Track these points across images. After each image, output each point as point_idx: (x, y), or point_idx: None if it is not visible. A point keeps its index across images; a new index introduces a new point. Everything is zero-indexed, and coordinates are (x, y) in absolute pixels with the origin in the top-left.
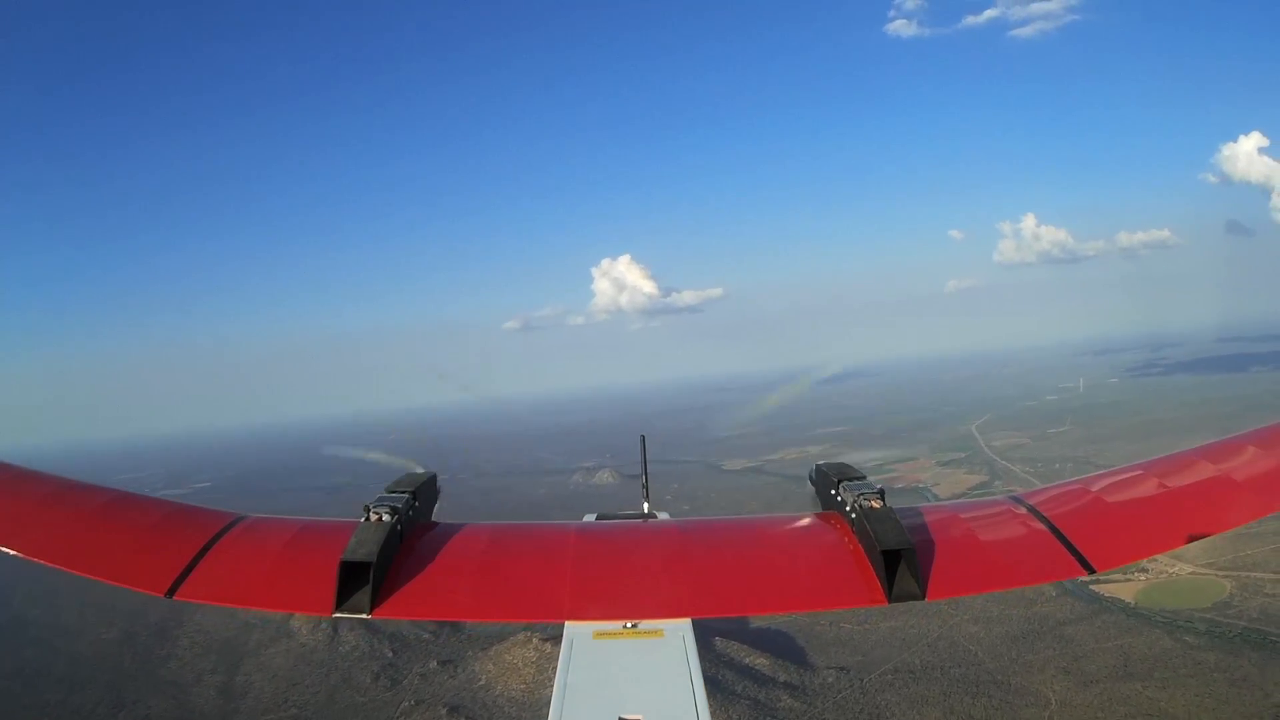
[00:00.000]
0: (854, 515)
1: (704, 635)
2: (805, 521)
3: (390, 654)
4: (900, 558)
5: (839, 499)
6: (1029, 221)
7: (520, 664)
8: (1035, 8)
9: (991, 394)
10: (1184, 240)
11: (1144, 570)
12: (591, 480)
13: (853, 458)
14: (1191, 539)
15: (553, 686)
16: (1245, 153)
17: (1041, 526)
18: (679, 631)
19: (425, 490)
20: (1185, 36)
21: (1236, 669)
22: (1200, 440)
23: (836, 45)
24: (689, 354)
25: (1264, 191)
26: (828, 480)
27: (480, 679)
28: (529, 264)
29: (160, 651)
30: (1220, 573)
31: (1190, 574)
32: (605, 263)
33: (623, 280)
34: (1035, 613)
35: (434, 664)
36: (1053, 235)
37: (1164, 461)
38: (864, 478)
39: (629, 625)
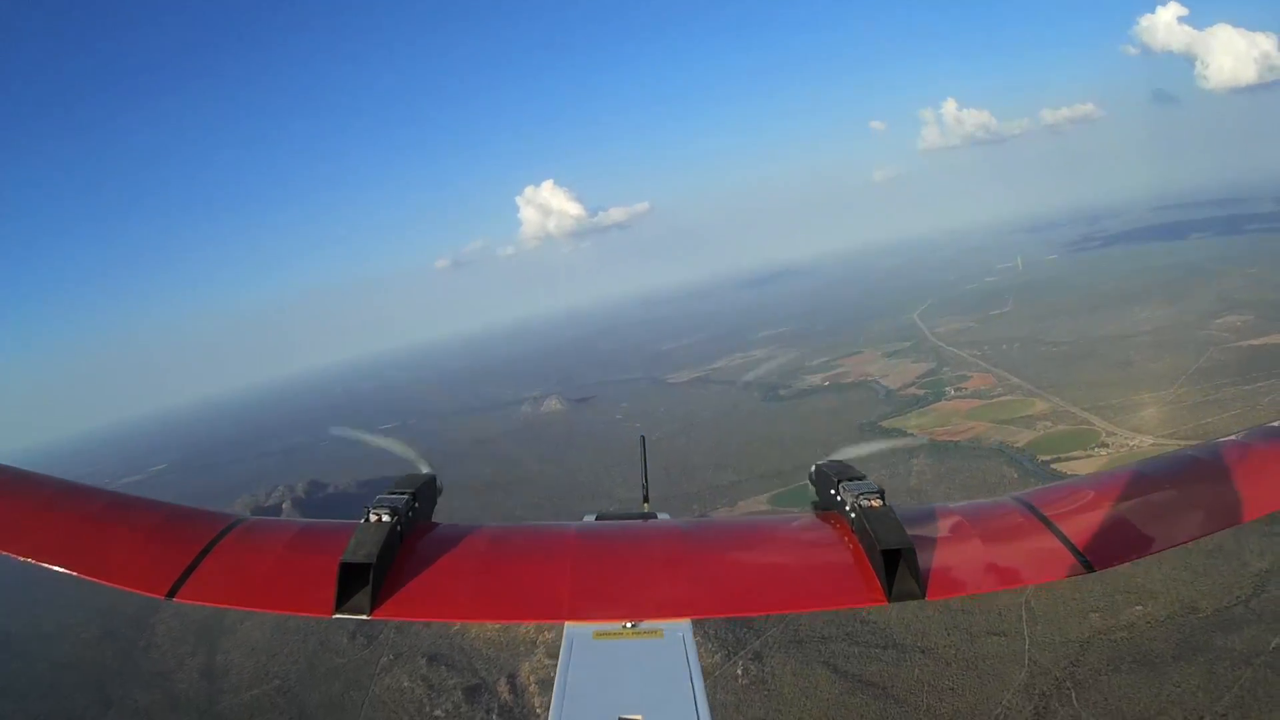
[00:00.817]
0: (854, 515)
1: (704, 635)
2: (805, 521)
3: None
4: (900, 557)
5: (839, 499)
6: (950, 106)
7: None
8: None
9: (929, 280)
10: (1109, 113)
11: (1104, 445)
12: (540, 409)
13: (795, 357)
14: (1192, 538)
15: (553, 686)
16: (1164, 23)
17: (1042, 526)
18: (679, 631)
19: (425, 491)
20: None
21: (1210, 541)
22: (1146, 307)
23: None
24: (623, 272)
25: (1187, 60)
26: (828, 480)
27: (454, 625)
28: (451, 201)
29: (140, 643)
30: (1182, 441)
31: (1151, 445)
32: (529, 190)
33: (548, 205)
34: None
35: None
36: (975, 118)
37: (1164, 461)
38: (864, 477)
39: (629, 625)
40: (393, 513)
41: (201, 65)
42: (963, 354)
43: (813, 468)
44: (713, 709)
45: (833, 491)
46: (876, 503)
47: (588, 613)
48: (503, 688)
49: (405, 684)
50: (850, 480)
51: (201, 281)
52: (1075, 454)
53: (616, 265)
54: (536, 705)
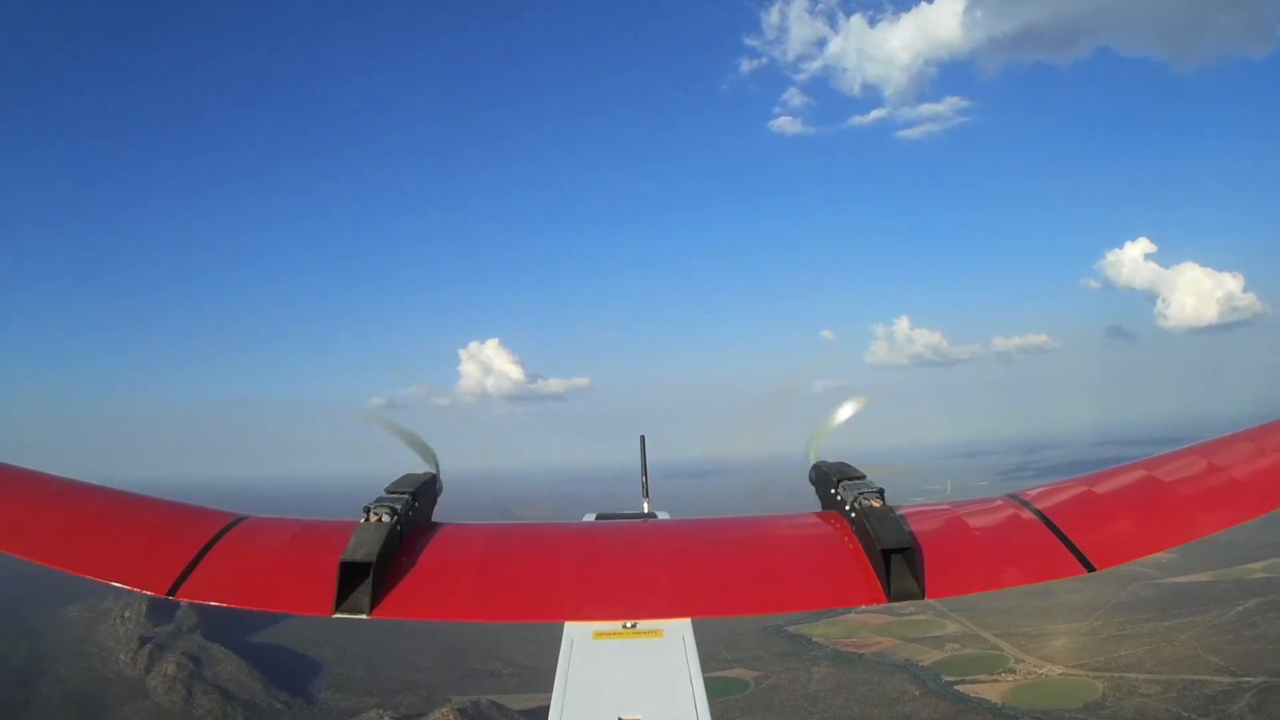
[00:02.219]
0: (854, 514)
1: (703, 635)
2: (805, 521)
3: None
4: (900, 557)
5: (839, 498)
6: (903, 324)
7: None
8: (924, 109)
9: None
10: (1061, 344)
11: (1011, 670)
12: None
13: None
14: (1191, 537)
15: (553, 686)
16: (1130, 259)
17: (1042, 525)
18: (679, 631)
19: (425, 490)
20: (1073, 140)
21: None
22: None
23: (718, 140)
24: (553, 443)
25: (1148, 297)
26: (827, 479)
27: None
28: (397, 342)
29: (19, 699)
30: (1092, 673)
31: (1060, 674)
32: (474, 345)
33: (490, 364)
34: (897, 712)
35: None
36: (926, 338)
37: (1164, 460)
38: (863, 477)
39: (629, 625)
40: (393, 512)
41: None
42: None
43: (813, 468)
44: (713, 709)
45: (832, 491)
46: (876, 502)
47: (588, 613)
48: None
49: None
50: (850, 480)
51: (115, 365)
52: (980, 677)
53: (548, 435)
54: None
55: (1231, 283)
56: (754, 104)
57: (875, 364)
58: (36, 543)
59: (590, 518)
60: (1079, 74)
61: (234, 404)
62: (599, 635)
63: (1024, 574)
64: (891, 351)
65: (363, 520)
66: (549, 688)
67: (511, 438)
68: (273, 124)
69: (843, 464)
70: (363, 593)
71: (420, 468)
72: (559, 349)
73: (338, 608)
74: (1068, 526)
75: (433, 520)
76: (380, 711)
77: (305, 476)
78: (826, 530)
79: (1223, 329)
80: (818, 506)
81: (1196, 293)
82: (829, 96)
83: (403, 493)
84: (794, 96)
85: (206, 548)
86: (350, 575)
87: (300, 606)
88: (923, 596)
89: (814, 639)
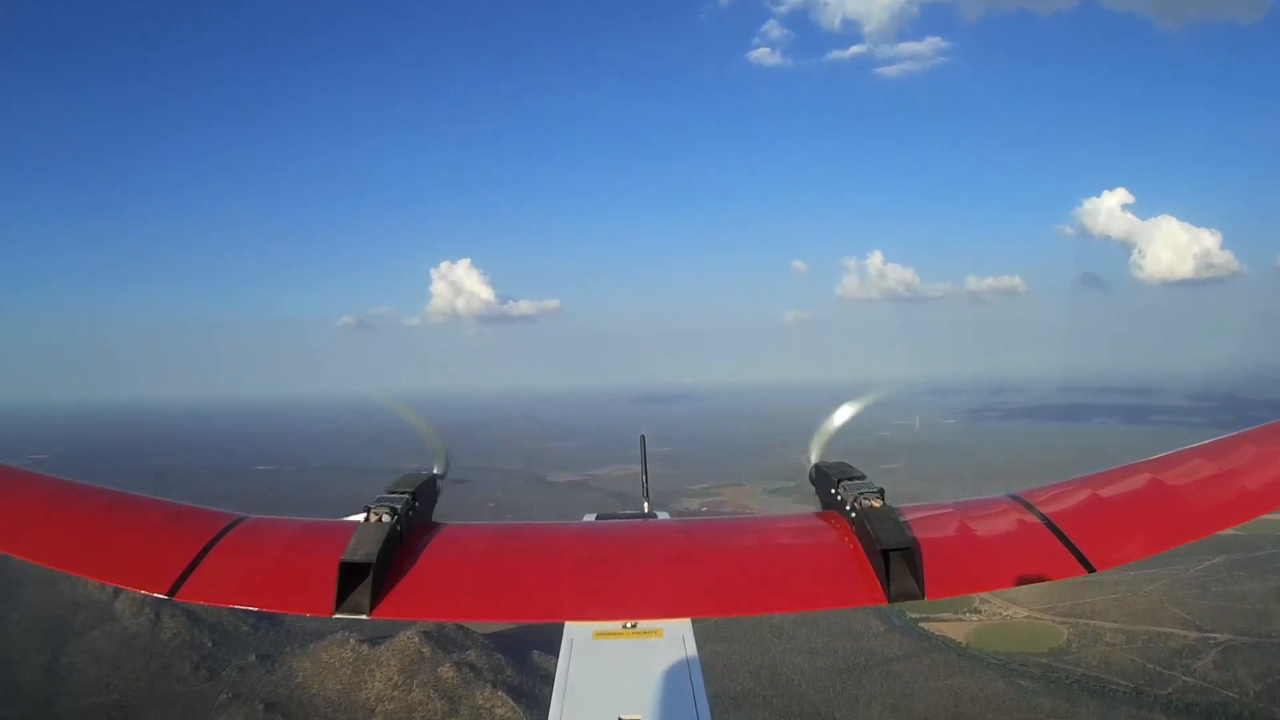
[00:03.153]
0: (854, 514)
1: (703, 635)
2: (805, 521)
3: (210, 644)
4: (900, 557)
5: (839, 498)
6: (875, 259)
7: (337, 664)
8: (904, 48)
9: (822, 426)
10: (1034, 288)
11: (976, 611)
12: None
13: (675, 476)
14: (1192, 538)
15: (552, 686)
16: (1108, 208)
17: (1042, 526)
18: (679, 631)
19: (425, 490)
20: (1054, 89)
21: (1075, 715)
22: (1038, 484)
23: (696, 67)
24: (522, 364)
25: (1124, 247)
26: (828, 479)
27: (298, 676)
28: (367, 260)
29: None
30: (1058, 618)
31: (1025, 618)
32: (445, 265)
33: (460, 285)
34: (862, 647)
35: (253, 658)
36: (898, 274)
37: (1164, 460)
38: (864, 477)
39: (629, 625)
40: (393, 512)
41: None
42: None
43: (813, 468)
44: (713, 709)
45: (833, 491)
46: (876, 502)
47: (588, 612)
48: None
49: None
50: (850, 480)
51: (90, 283)
52: (945, 615)
53: (517, 357)
54: None
55: (1209, 239)
56: (733, 34)
57: (846, 297)
58: (38, 544)
59: (590, 518)
60: (1062, 25)
61: (200, 325)
62: (599, 635)
63: (1024, 574)
64: (863, 285)
65: (363, 520)
66: (546, 685)
67: (482, 359)
68: (243, 34)
69: (843, 464)
70: (363, 593)
71: (417, 469)
72: (530, 270)
73: (338, 608)
74: (1068, 527)
75: (433, 520)
76: (344, 634)
77: (284, 395)
78: (826, 530)
79: (1198, 285)
80: (817, 505)
81: (1173, 246)
82: (809, 30)
83: (403, 492)
84: (773, 29)
85: (207, 548)
86: (350, 575)
87: (300, 607)
88: (923, 597)
89: None
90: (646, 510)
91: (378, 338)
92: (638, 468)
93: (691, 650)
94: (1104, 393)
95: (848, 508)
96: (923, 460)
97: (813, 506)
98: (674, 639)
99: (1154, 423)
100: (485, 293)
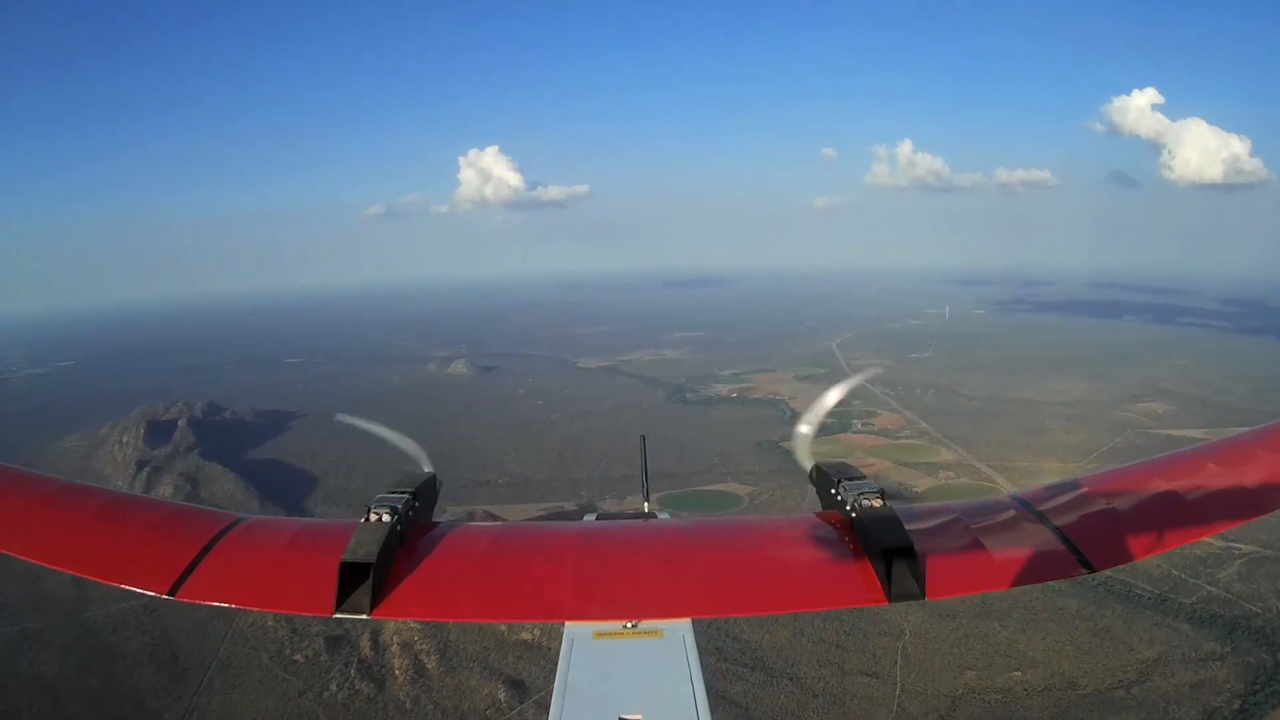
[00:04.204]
0: (854, 514)
1: (703, 635)
2: (805, 521)
3: None
4: (900, 557)
5: (839, 498)
6: (905, 147)
7: None
8: None
9: (854, 313)
10: (1063, 183)
11: None
12: (445, 370)
13: (706, 361)
14: (1192, 538)
15: (553, 686)
16: (1137, 106)
17: (1042, 526)
18: (679, 631)
19: (425, 490)
20: None
21: (1100, 619)
22: (1068, 379)
23: None
24: (551, 250)
25: (1154, 147)
26: (828, 480)
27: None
28: (394, 149)
29: None
30: None
31: None
32: (473, 153)
33: (489, 171)
34: None
35: None
36: (929, 163)
37: (1165, 461)
38: (864, 477)
39: (629, 625)
40: (393, 512)
41: None
42: (875, 391)
43: (813, 468)
44: (713, 709)
45: (833, 491)
46: (877, 502)
47: (588, 613)
48: (365, 643)
49: (270, 622)
50: (850, 480)
51: (117, 179)
52: None
53: (546, 243)
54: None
55: (1238, 145)
56: None
57: (875, 185)
58: (39, 544)
59: (590, 518)
60: None
61: (228, 219)
62: (599, 635)
63: (1024, 574)
64: (893, 173)
65: (363, 520)
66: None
67: (511, 245)
68: None
69: (843, 464)
70: (363, 593)
71: (428, 466)
72: (559, 156)
73: (338, 608)
74: (1068, 526)
75: (433, 520)
76: None
77: (313, 287)
78: (826, 530)
79: (1226, 190)
80: (817, 505)
81: (1202, 150)
82: None
83: (403, 492)
84: None
85: (207, 548)
86: (350, 575)
87: (301, 606)
88: (923, 596)
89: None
90: (646, 510)
91: (406, 226)
92: (669, 352)
93: (692, 650)
94: (1133, 290)
95: (848, 508)
96: (952, 349)
97: (813, 506)
98: (674, 639)
99: (1182, 324)
100: (514, 179)
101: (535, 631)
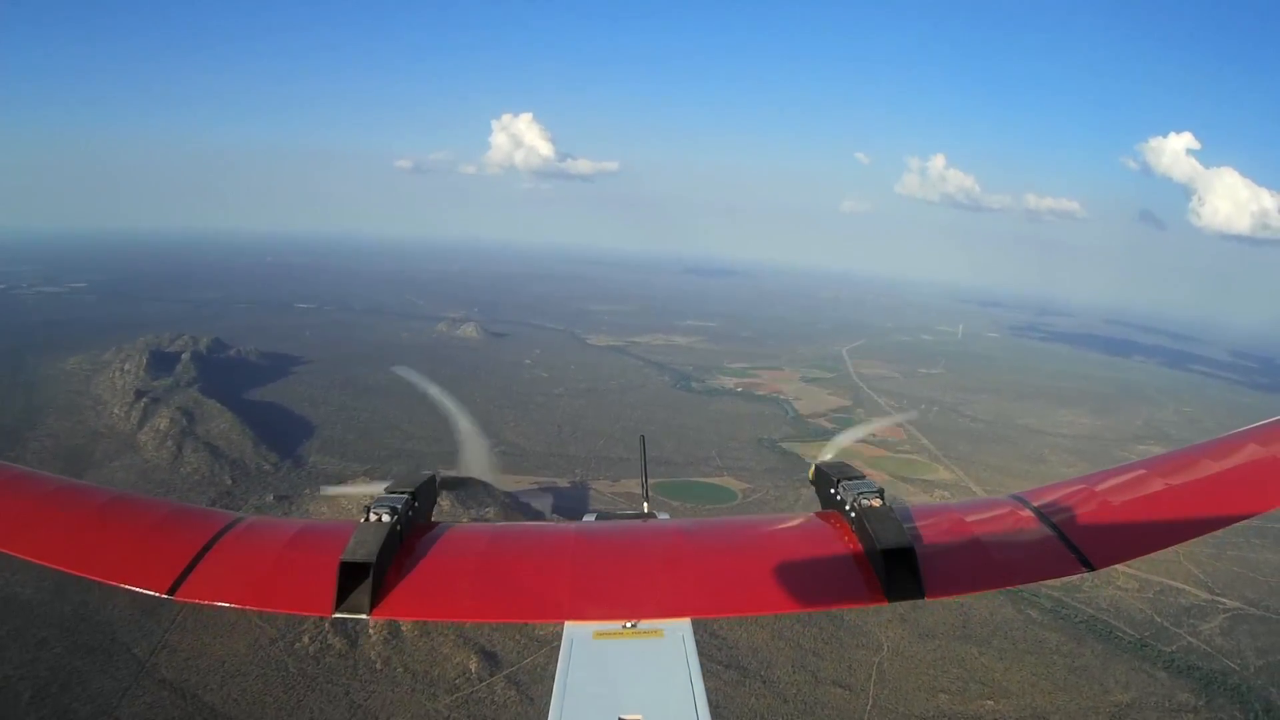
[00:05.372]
0: (854, 514)
1: (703, 635)
2: (805, 521)
3: (229, 481)
4: (900, 557)
5: (839, 498)
6: (938, 160)
7: (355, 510)
8: None
9: (868, 320)
10: (1091, 216)
11: None
12: (455, 331)
13: (715, 352)
14: (1191, 536)
15: (553, 686)
16: (1173, 149)
17: (1041, 525)
18: (679, 631)
19: (425, 490)
20: (1136, 23)
21: (1078, 656)
22: (1073, 411)
23: None
24: (573, 223)
25: (1184, 191)
26: (827, 479)
27: (313, 518)
28: (429, 104)
29: (3, 453)
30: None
31: None
32: (506, 117)
33: (521, 138)
34: None
35: (271, 498)
36: (960, 180)
37: (1164, 460)
38: (863, 477)
39: (629, 625)
40: (392, 512)
41: None
42: (880, 400)
43: (812, 467)
44: (713, 709)
45: (832, 491)
46: (876, 502)
47: (588, 613)
48: None
49: None
50: (850, 480)
51: (147, 102)
52: None
53: (569, 215)
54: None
55: (1269, 200)
56: None
57: (905, 194)
58: (38, 543)
59: (590, 518)
60: None
61: (262, 151)
62: (599, 635)
63: (1023, 573)
64: (923, 186)
65: (362, 520)
66: (544, 689)
67: (534, 213)
68: None
69: (843, 464)
70: (363, 593)
71: (416, 469)
72: (592, 130)
73: (338, 607)
74: (1067, 526)
75: (433, 520)
76: (367, 479)
77: (332, 233)
78: (826, 530)
79: (1253, 243)
80: (817, 505)
81: (1232, 200)
82: None
83: (403, 492)
84: None
85: (206, 548)
86: (350, 575)
87: (300, 606)
88: (922, 596)
89: (806, 459)
90: (646, 510)
91: (432, 182)
92: (680, 338)
93: (691, 650)
94: (1148, 331)
95: (847, 508)
96: (962, 368)
97: (813, 506)
98: (674, 639)
99: (1192, 370)
100: (545, 148)
101: None
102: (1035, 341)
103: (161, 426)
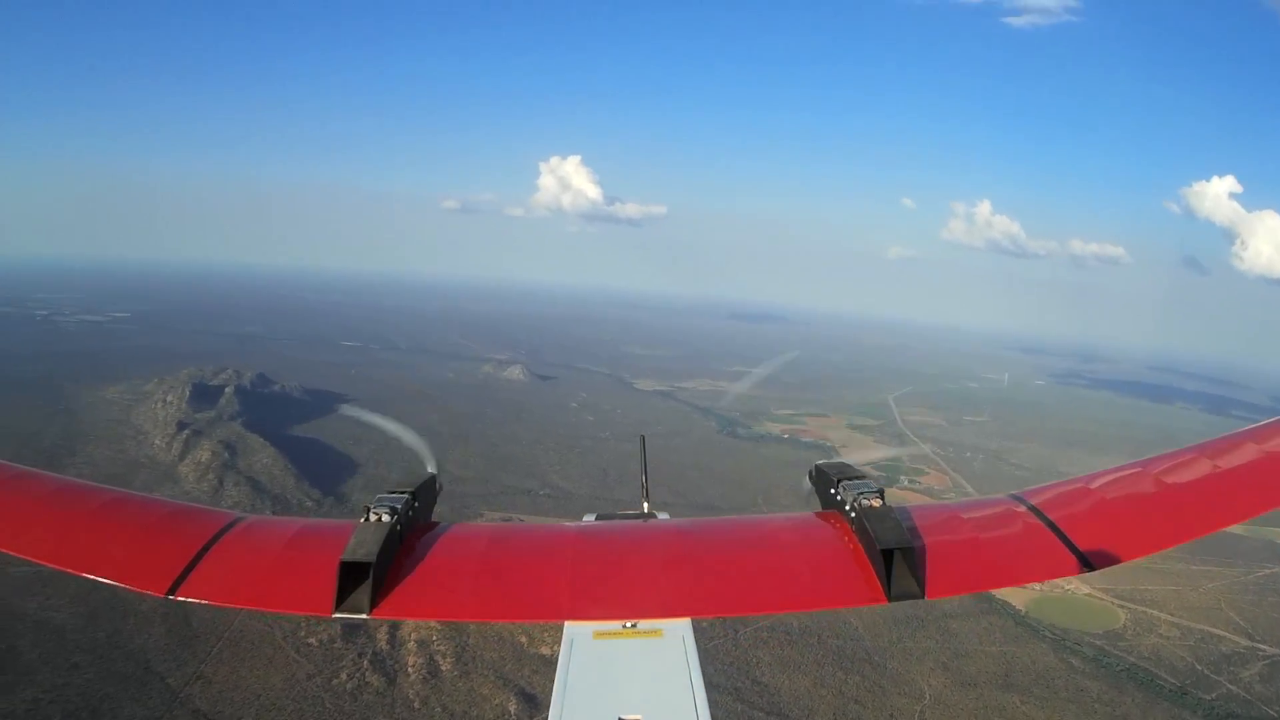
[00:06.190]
0: (854, 514)
1: (703, 635)
2: (805, 521)
3: (271, 516)
4: (900, 556)
5: (839, 498)
6: (984, 207)
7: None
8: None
9: (913, 367)
10: (1135, 261)
11: (1036, 588)
12: (501, 374)
13: (762, 398)
14: (1191, 536)
15: (553, 686)
16: (1215, 193)
17: (1041, 525)
18: (679, 631)
19: (425, 490)
20: (1177, 66)
21: (1119, 705)
22: (1117, 459)
23: None
24: (620, 266)
25: (1227, 235)
26: (827, 479)
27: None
28: (477, 145)
29: None
30: (1117, 601)
31: (1086, 595)
32: (554, 160)
33: (569, 180)
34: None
35: None
36: (1005, 226)
37: (1163, 460)
38: (864, 477)
39: (629, 625)
40: (392, 512)
41: None
42: (925, 448)
43: (812, 467)
44: (713, 709)
45: (832, 491)
46: (876, 502)
47: (587, 612)
48: (381, 636)
49: None
50: (850, 480)
51: (198, 137)
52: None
53: (616, 258)
54: (409, 665)
55: None
56: None
57: (950, 240)
58: (37, 542)
59: (590, 518)
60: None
61: (300, 189)
62: (599, 635)
63: (1023, 573)
64: (969, 232)
65: (362, 520)
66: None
67: (581, 256)
68: None
69: (843, 464)
70: (362, 592)
71: (422, 462)
72: (640, 174)
73: (338, 607)
74: (1067, 526)
75: (433, 520)
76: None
77: (378, 271)
78: (826, 530)
79: None
80: (817, 506)
81: (1274, 243)
82: None
83: (402, 492)
84: None
85: (206, 547)
86: (350, 575)
87: (300, 606)
88: (923, 596)
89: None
90: (646, 510)
91: (479, 223)
92: (724, 383)
93: (691, 650)
94: (1190, 377)
95: (848, 508)
96: (1006, 416)
97: (813, 506)
98: (674, 639)
99: (1234, 416)
100: (592, 191)
101: (556, 647)
102: (1080, 389)
103: (203, 459)
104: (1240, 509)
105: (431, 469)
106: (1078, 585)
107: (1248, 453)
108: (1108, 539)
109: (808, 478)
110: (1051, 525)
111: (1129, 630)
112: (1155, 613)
